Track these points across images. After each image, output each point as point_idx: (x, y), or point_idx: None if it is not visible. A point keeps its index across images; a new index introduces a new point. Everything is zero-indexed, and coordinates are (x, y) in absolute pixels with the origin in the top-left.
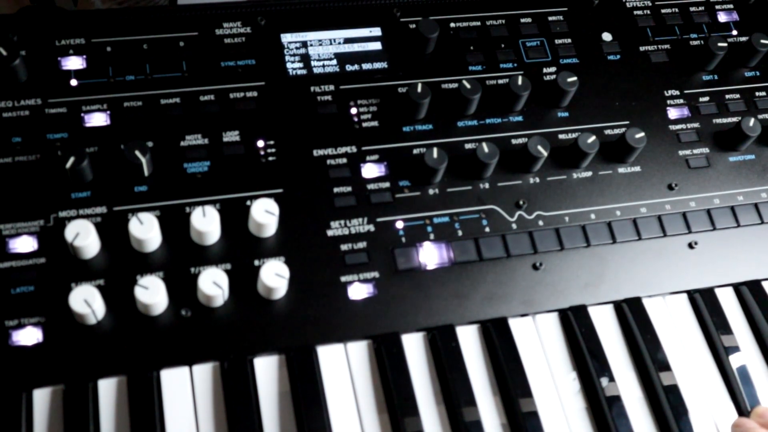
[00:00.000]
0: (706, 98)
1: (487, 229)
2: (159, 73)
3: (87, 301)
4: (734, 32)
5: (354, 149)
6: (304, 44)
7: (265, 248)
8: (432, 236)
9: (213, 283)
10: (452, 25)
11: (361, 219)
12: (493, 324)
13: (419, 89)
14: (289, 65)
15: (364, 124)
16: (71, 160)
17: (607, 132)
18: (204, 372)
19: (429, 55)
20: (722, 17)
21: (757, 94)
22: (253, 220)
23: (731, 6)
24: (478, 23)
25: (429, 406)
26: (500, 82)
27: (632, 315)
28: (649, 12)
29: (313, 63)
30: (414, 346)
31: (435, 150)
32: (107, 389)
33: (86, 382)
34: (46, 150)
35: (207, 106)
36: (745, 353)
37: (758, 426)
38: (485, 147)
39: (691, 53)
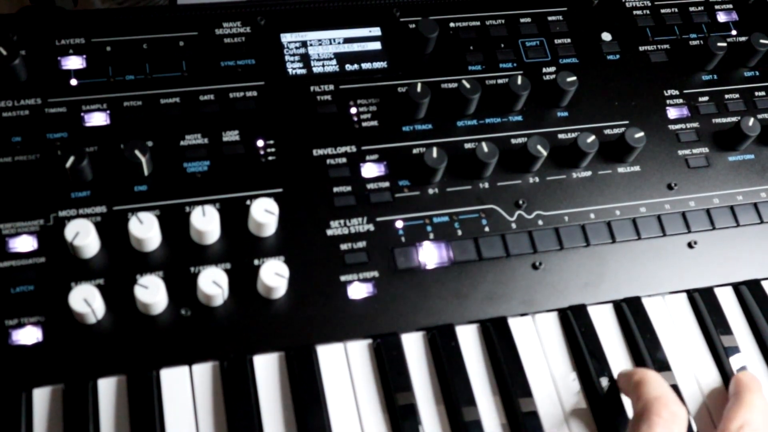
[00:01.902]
0: (706, 98)
1: (487, 229)
2: (159, 73)
3: (87, 301)
4: (734, 32)
5: (353, 149)
6: (304, 44)
7: (265, 248)
8: (432, 236)
9: (213, 283)
10: (452, 24)
11: (361, 218)
12: (492, 323)
13: (419, 89)
14: (288, 65)
15: (364, 124)
16: (71, 159)
17: (607, 132)
18: (204, 371)
19: (429, 55)
20: (722, 17)
21: (756, 93)
22: (252, 220)
23: (731, 6)
24: (478, 23)
25: (429, 405)
26: (500, 81)
27: (632, 314)
28: (648, 12)
29: (312, 63)
30: (414, 346)
31: (434, 150)
32: (107, 388)
33: (86, 382)
34: (46, 150)
35: (207, 106)
36: (745, 353)
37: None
38: (485, 147)
39: (691, 53)
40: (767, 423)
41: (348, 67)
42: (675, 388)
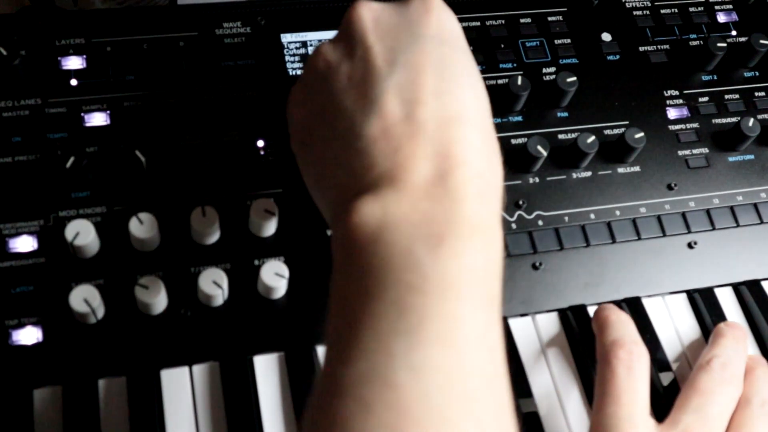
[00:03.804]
0: (706, 98)
1: None
2: (159, 73)
3: (87, 301)
4: (733, 32)
5: None
6: (304, 44)
7: (265, 248)
8: None
9: (213, 283)
10: None
11: None
12: None
13: None
14: (289, 65)
15: None
16: (71, 159)
17: (607, 132)
18: (204, 372)
19: None
20: (721, 17)
21: (756, 94)
22: (253, 220)
23: (730, 6)
24: (478, 23)
25: None
26: (500, 82)
27: (632, 315)
28: (648, 12)
29: None
30: None
31: None
32: (107, 389)
33: (86, 382)
34: (46, 150)
35: (207, 106)
36: None
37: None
38: None
39: (691, 53)
40: (739, 355)
41: None
42: (674, 384)
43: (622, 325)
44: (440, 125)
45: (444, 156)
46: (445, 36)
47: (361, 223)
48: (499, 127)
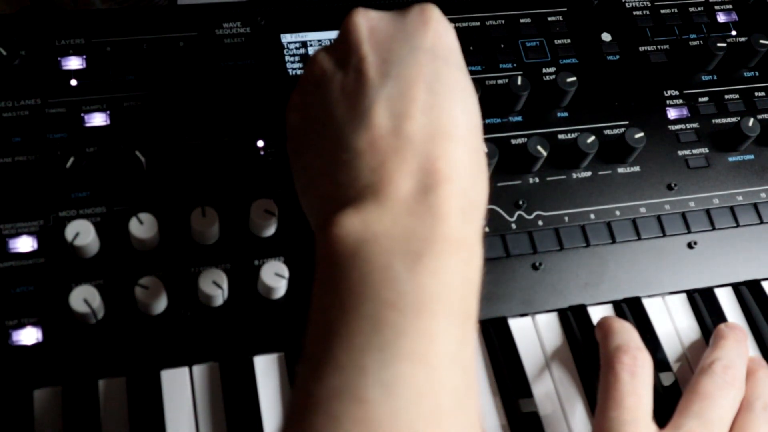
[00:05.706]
0: (706, 98)
1: (487, 229)
2: (159, 73)
3: (87, 301)
4: (733, 32)
5: None
6: (304, 44)
7: (265, 248)
8: None
9: (213, 283)
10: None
11: None
12: (492, 324)
13: None
14: (289, 65)
15: None
16: (71, 160)
17: (607, 132)
18: (204, 372)
19: None
20: (721, 17)
21: (756, 94)
22: (253, 220)
23: (730, 6)
24: (478, 23)
25: None
26: (500, 82)
27: (632, 315)
28: (648, 12)
29: None
30: None
31: None
32: (107, 389)
33: (86, 382)
34: (46, 150)
35: (207, 107)
36: None
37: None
38: (485, 147)
39: (691, 53)
40: (740, 357)
41: None
42: (675, 385)
43: (626, 331)
44: (427, 140)
45: (428, 171)
46: (441, 50)
47: (342, 236)
48: (499, 127)
